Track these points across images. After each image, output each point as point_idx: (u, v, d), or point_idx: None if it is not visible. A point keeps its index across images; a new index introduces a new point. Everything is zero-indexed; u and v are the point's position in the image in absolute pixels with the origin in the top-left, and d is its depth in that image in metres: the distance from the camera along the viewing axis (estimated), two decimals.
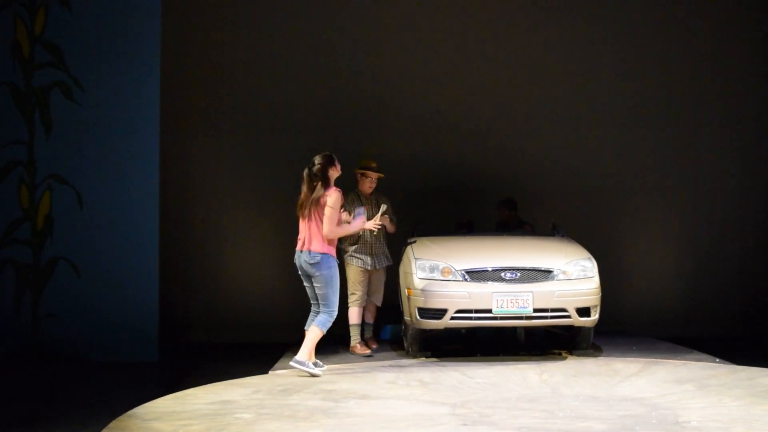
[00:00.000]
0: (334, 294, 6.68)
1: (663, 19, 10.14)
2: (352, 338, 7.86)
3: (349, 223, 6.94)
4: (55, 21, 8.09)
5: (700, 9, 10.11)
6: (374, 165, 8.02)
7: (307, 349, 6.66)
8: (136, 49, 8.15)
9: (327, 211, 6.61)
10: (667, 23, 10.14)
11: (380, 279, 8.05)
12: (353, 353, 7.72)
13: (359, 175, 7.99)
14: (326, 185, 6.70)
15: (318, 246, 6.65)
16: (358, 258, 7.87)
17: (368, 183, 7.97)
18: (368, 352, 7.72)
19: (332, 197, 6.64)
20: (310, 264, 6.65)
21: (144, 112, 8.12)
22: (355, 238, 7.83)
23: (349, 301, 7.87)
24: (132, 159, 8.10)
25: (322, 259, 6.64)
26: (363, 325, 7.99)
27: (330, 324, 6.72)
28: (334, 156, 6.84)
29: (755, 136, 9.94)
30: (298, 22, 10.01)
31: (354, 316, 7.87)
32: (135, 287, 8.03)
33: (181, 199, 9.68)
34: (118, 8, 8.17)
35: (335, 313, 6.72)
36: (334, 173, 6.80)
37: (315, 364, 6.80)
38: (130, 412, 5.29)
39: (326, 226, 6.61)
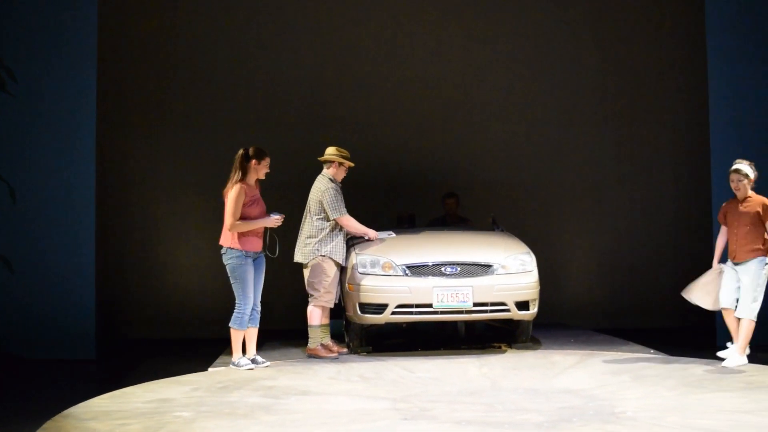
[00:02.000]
0: (239, 288, 6.64)
1: (599, 19, 10.32)
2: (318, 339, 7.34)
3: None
4: None
5: (635, 10, 10.30)
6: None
7: (233, 349, 6.74)
8: (72, 40, 7.97)
9: (227, 204, 6.62)
10: (603, 23, 10.31)
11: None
12: (318, 356, 7.24)
13: (336, 165, 7.48)
14: (241, 178, 6.68)
15: (224, 239, 6.70)
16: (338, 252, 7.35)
17: (343, 172, 7.54)
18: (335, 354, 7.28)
19: (233, 191, 6.61)
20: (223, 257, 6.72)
21: (80, 105, 7.96)
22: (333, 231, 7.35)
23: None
24: (68, 152, 7.93)
25: (226, 251, 6.66)
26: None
27: (239, 319, 6.65)
28: (263, 151, 6.79)
29: (687, 132, 10.17)
30: (238, 16, 9.94)
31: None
32: (71, 284, 7.87)
33: (119, 194, 9.54)
34: None
35: (245, 307, 6.65)
36: (256, 168, 6.73)
37: (254, 360, 6.80)
38: (65, 412, 5.18)
39: (226, 220, 6.62)
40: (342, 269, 7.40)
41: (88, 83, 7.98)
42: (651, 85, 10.31)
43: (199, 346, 8.13)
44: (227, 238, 6.67)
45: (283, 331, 8.61)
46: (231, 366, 6.72)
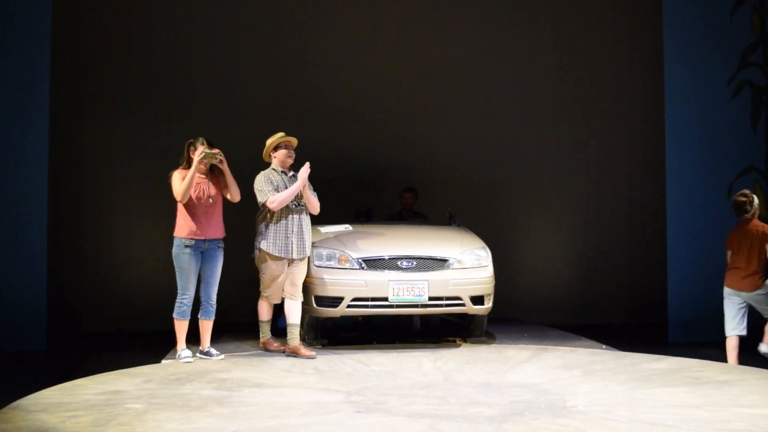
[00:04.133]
0: (178, 276, 6.67)
1: (558, 15, 10.41)
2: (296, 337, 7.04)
3: None
4: None
5: (594, 8, 10.41)
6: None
7: (177, 340, 6.76)
8: (24, 24, 7.83)
9: (172, 187, 6.68)
10: (561, 20, 10.41)
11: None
12: (297, 354, 6.92)
13: (276, 150, 7.14)
14: (184, 166, 6.75)
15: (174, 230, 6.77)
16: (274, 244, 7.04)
17: (285, 156, 7.13)
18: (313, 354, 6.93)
19: (172, 177, 6.70)
20: None
21: (33, 91, 7.83)
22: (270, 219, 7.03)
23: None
24: (19, 141, 7.81)
25: (173, 242, 6.73)
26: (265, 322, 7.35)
27: (179, 309, 6.65)
28: (197, 140, 6.77)
29: (644, 129, 10.31)
30: (197, 3, 9.84)
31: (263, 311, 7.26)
32: (21, 274, 7.75)
33: (72, 183, 9.41)
34: None
35: (183, 296, 6.65)
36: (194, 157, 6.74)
37: (207, 353, 6.78)
38: (14, 404, 5.10)
39: (174, 194, 6.64)
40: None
41: (42, 70, 7.86)
42: (608, 82, 10.43)
43: (152, 338, 8.04)
44: (175, 229, 6.71)
45: (237, 324, 8.56)
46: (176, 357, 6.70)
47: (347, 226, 7.72)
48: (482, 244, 7.66)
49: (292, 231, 7.00)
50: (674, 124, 8.63)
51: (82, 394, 5.42)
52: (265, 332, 7.23)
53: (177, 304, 6.68)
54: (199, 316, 6.81)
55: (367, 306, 7.13)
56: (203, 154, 6.58)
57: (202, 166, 6.71)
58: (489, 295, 7.39)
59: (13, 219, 7.77)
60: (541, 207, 10.39)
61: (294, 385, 5.75)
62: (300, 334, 7.06)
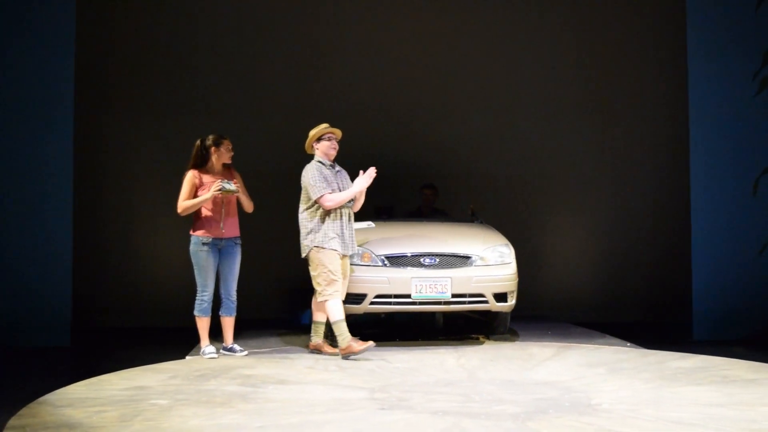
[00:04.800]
0: (197, 274, 6.73)
1: (579, 13, 10.34)
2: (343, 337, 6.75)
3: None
4: None
5: (616, 3, 10.33)
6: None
7: (200, 337, 6.82)
8: (49, 26, 7.89)
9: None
10: (584, 17, 10.34)
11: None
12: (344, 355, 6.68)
13: (319, 142, 6.98)
14: (194, 166, 6.78)
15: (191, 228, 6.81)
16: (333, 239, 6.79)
17: (330, 147, 6.97)
18: (370, 342, 6.65)
19: (185, 177, 6.76)
20: None
21: (58, 90, 7.89)
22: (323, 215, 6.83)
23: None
24: (45, 138, 7.87)
25: (190, 239, 6.77)
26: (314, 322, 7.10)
27: (199, 306, 6.71)
28: (220, 136, 6.83)
29: (668, 125, 10.21)
30: (221, 3, 9.87)
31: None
32: (47, 270, 7.81)
33: (98, 180, 9.49)
34: None
35: (203, 293, 6.71)
36: (217, 154, 6.78)
37: (231, 349, 6.82)
38: (41, 399, 5.15)
39: (179, 205, 6.73)
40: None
41: (66, 69, 7.91)
42: (631, 79, 10.35)
43: (176, 334, 8.09)
44: (192, 227, 6.76)
45: (260, 320, 8.60)
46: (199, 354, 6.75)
47: (369, 223, 7.73)
48: (505, 240, 7.63)
49: (346, 226, 6.87)
50: (698, 120, 8.55)
51: (108, 389, 5.46)
52: (343, 332, 6.68)
53: (197, 302, 6.73)
54: (220, 313, 6.85)
55: (389, 303, 7.14)
56: (222, 189, 6.60)
57: (223, 172, 6.80)
58: (512, 292, 7.36)
59: (39, 217, 7.83)
60: (564, 203, 10.34)
61: (317, 382, 5.76)
62: (324, 331, 7.07)
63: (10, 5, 7.85)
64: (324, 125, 7.00)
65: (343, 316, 6.68)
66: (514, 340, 7.68)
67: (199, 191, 6.70)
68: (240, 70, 9.87)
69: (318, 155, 6.96)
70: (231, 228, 6.79)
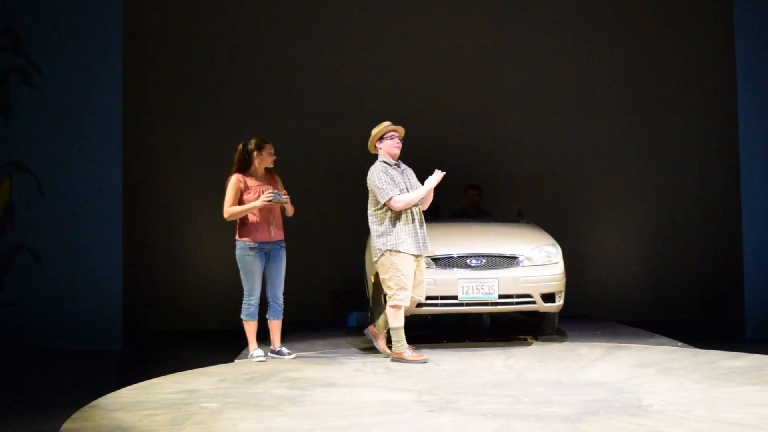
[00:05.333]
0: (243, 279, 6.76)
1: (623, 8, 10.22)
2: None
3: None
4: (13, 5, 7.95)
5: (663, 2, 10.20)
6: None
7: (248, 341, 6.86)
8: (97, 34, 8.03)
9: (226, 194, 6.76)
10: (627, 13, 10.21)
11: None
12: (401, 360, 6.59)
13: (381, 141, 6.84)
14: (238, 170, 6.79)
15: (235, 233, 6.82)
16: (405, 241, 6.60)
17: (393, 146, 6.81)
18: (423, 356, 6.57)
19: (229, 181, 6.77)
20: None
21: (106, 98, 8.02)
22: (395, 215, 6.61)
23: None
24: (94, 145, 8.00)
25: (235, 243, 6.80)
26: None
27: (246, 310, 6.74)
28: (262, 140, 6.84)
29: (716, 121, 10.05)
30: (263, 9, 9.95)
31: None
32: (98, 275, 7.94)
33: (145, 185, 9.62)
34: None
35: (250, 297, 6.74)
36: (259, 158, 6.79)
37: (279, 352, 6.84)
38: (93, 403, 5.22)
39: (225, 210, 6.75)
40: (364, 261, 7.32)
41: (113, 75, 8.04)
42: (678, 75, 10.21)
43: (225, 337, 8.17)
44: (236, 231, 6.79)
45: (307, 323, 8.64)
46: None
47: None
48: (552, 240, 7.57)
49: (419, 226, 6.67)
50: (747, 115, 8.40)
51: (159, 393, 5.53)
52: (401, 340, 6.60)
53: (244, 306, 6.77)
54: (267, 316, 6.88)
55: (436, 305, 7.11)
56: (272, 198, 6.62)
57: (265, 177, 6.83)
58: (560, 292, 7.30)
59: (89, 223, 7.97)
60: (610, 201, 10.22)
61: (365, 384, 5.77)
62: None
63: (61, 17, 7.99)
64: (386, 123, 6.85)
65: (402, 324, 6.59)
66: (562, 341, 7.61)
67: (244, 195, 6.73)
68: (282, 75, 9.93)
69: (382, 155, 6.80)
70: (277, 232, 6.83)
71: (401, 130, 6.86)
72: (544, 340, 7.57)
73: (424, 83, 10.05)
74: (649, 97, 10.22)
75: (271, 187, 6.79)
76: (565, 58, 10.20)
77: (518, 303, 7.18)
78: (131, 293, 8.82)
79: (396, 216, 6.60)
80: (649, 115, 10.23)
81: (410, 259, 6.56)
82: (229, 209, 6.72)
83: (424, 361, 6.50)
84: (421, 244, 6.66)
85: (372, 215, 6.72)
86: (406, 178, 6.79)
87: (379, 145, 6.84)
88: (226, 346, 7.51)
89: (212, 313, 9.44)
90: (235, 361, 6.82)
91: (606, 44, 10.23)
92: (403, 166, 6.90)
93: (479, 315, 8.16)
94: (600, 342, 7.54)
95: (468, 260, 7.16)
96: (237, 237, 6.79)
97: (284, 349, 6.90)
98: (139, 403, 5.20)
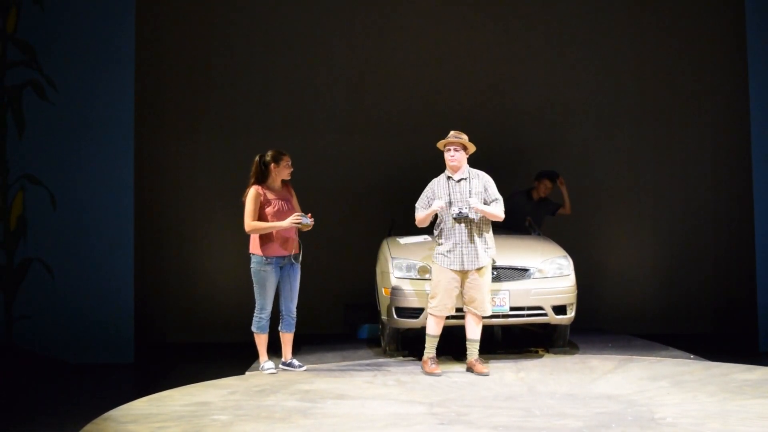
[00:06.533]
0: (257, 292, 6.71)
1: (637, 19, 10.21)
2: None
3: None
4: (27, 19, 8.01)
5: (674, 9, 10.19)
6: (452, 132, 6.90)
7: (259, 353, 6.85)
8: (110, 48, 8.08)
9: (245, 207, 6.69)
10: (638, 24, 10.21)
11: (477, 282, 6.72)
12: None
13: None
14: (255, 182, 6.74)
15: (250, 245, 6.77)
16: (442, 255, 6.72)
17: (449, 158, 6.80)
18: (437, 371, 6.63)
19: (248, 193, 6.70)
20: None
21: (118, 111, 8.05)
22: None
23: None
24: (106, 159, 8.03)
25: (251, 257, 6.75)
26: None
27: (258, 324, 6.70)
28: (279, 152, 6.80)
29: (728, 134, 10.01)
30: (275, 21, 9.99)
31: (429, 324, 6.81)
32: (110, 288, 7.96)
33: (157, 198, 9.64)
34: (92, 6, 8.10)
35: (261, 311, 6.69)
36: (276, 170, 6.74)
37: (290, 364, 6.85)
38: (105, 415, 5.24)
39: (245, 223, 6.67)
40: (375, 273, 7.33)
41: (127, 89, 8.08)
42: (690, 87, 10.16)
43: (236, 350, 8.17)
44: (251, 244, 6.75)
45: (318, 335, 8.64)
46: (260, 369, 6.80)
47: (426, 237, 7.71)
48: (563, 252, 7.56)
49: (462, 240, 6.62)
50: (760, 125, 8.37)
51: (170, 405, 5.54)
52: (429, 348, 6.75)
53: (256, 319, 6.75)
54: (279, 329, 6.87)
55: (448, 317, 7.09)
56: (301, 221, 6.60)
57: (282, 189, 6.81)
58: (572, 304, 7.28)
59: (100, 236, 7.99)
60: (623, 214, 10.18)
61: (376, 397, 5.76)
62: (382, 346, 7.05)
63: (74, 31, 8.04)
64: (451, 133, 6.87)
65: (433, 333, 6.72)
66: (574, 353, 7.59)
67: (265, 208, 6.67)
68: (296, 86, 9.93)
69: (447, 168, 6.88)
70: (292, 244, 6.77)
71: (462, 141, 6.81)
72: (555, 353, 7.54)
73: (434, 90, 10.02)
74: (661, 108, 10.19)
75: (287, 200, 6.79)
76: (577, 69, 10.18)
77: (530, 315, 7.17)
78: (143, 306, 8.84)
79: (441, 228, 6.74)
80: (661, 125, 10.19)
81: (448, 272, 6.63)
82: (252, 224, 6.63)
83: (437, 375, 6.53)
84: (461, 259, 6.62)
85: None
86: (457, 190, 6.73)
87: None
88: (237, 358, 7.52)
89: (223, 326, 9.44)
90: (246, 373, 6.83)
91: (618, 56, 10.21)
92: (462, 176, 6.82)
93: (490, 327, 8.13)
94: (612, 354, 7.51)
95: None
96: (251, 251, 6.74)
97: (295, 361, 6.90)
98: (151, 416, 5.21)
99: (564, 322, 7.36)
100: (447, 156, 6.79)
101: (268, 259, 6.66)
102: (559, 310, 7.19)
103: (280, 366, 6.86)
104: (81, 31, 8.06)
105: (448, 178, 6.82)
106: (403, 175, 9.68)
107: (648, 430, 4.63)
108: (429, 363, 6.66)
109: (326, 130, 9.87)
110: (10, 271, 7.93)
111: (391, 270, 7.27)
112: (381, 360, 7.37)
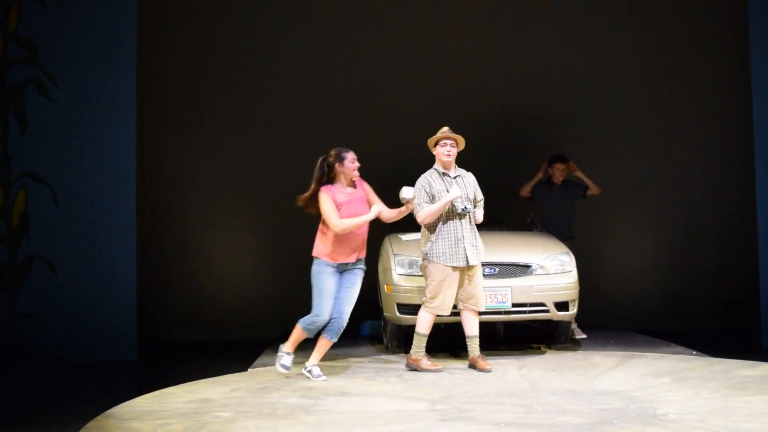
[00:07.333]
0: (314, 295, 6.26)
1: (639, 17, 10.21)
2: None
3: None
4: (29, 17, 8.02)
5: (676, 8, 10.18)
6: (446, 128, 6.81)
7: (289, 341, 6.37)
8: (112, 45, 8.09)
9: (323, 211, 6.22)
10: (643, 21, 10.20)
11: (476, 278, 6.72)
12: (417, 367, 6.62)
13: (436, 147, 6.76)
14: (321, 182, 6.30)
15: (314, 249, 6.36)
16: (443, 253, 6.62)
17: (443, 153, 6.71)
18: (438, 366, 6.62)
19: (321, 200, 6.22)
20: None
21: (120, 109, 8.06)
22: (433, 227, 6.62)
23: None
24: (108, 156, 8.04)
25: (313, 261, 6.34)
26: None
27: (311, 324, 6.21)
28: (341, 150, 6.34)
29: (729, 132, 10.03)
30: (277, 18, 9.98)
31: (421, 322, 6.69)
32: (112, 285, 7.97)
33: (159, 196, 9.65)
34: (94, 3, 8.11)
35: (317, 317, 6.20)
36: (341, 170, 6.30)
37: (310, 371, 6.36)
38: (108, 412, 5.25)
39: (330, 225, 6.17)
40: (377, 270, 7.33)
41: (128, 87, 8.09)
42: (692, 85, 10.17)
43: (237, 347, 8.19)
44: (315, 247, 6.33)
45: (319, 332, 8.63)
46: (278, 355, 6.40)
47: None
48: (565, 249, 7.56)
49: (463, 236, 6.58)
50: (763, 123, 8.36)
51: (173, 402, 5.55)
52: (421, 347, 6.64)
53: (309, 321, 6.24)
54: (323, 333, 6.34)
55: (450, 313, 7.09)
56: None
57: (353, 187, 6.41)
58: (574, 300, 7.28)
59: (103, 234, 8.00)
60: (625, 210, 10.19)
61: (379, 394, 5.76)
62: (384, 343, 7.04)
63: (76, 28, 8.05)
64: (443, 129, 6.80)
65: (425, 332, 6.62)
66: (576, 350, 7.58)
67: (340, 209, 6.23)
68: (297, 84, 9.94)
69: (436, 162, 6.80)
70: (360, 250, 6.37)
71: (457, 137, 6.75)
72: (557, 349, 7.54)
73: (453, 93, 10.02)
74: (663, 106, 10.19)
75: (360, 199, 6.35)
76: (583, 66, 10.18)
77: (532, 311, 7.16)
78: (146, 303, 8.85)
79: (437, 224, 6.60)
80: (664, 123, 10.20)
81: (448, 269, 6.54)
82: (341, 223, 6.13)
83: (439, 370, 6.52)
84: (461, 255, 6.56)
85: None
86: (456, 185, 6.66)
87: (434, 152, 6.80)
88: (240, 355, 7.53)
89: (226, 324, 9.46)
90: (249, 370, 6.83)
91: (619, 53, 10.22)
92: (456, 173, 6.78)
93: (493, 324, 8.13)
94: (614, 351, 7.50)
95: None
96: (313, 254, 6.32)
97: (316, 370, 6.35)
98: (153, 413, 5.21)
99: (566, 319, 7.36)
100: (442, 150, 6.71)
101: (329, 263, 6.25)
102: (562, 306, 7.19)
103: (302, 370, 6.37)
104: (83, 29, 8.07)
105: (443, 174, 6.74)
106: (405, 172, 9.66)
107: (650, 426, 4.62)
108: (424, 360, 6.60)
109: (328, 127, 9.85)
110: (12, 268, 7.94)
111: (393, 267, 7.27)
112: (383, 357, 7.37)
